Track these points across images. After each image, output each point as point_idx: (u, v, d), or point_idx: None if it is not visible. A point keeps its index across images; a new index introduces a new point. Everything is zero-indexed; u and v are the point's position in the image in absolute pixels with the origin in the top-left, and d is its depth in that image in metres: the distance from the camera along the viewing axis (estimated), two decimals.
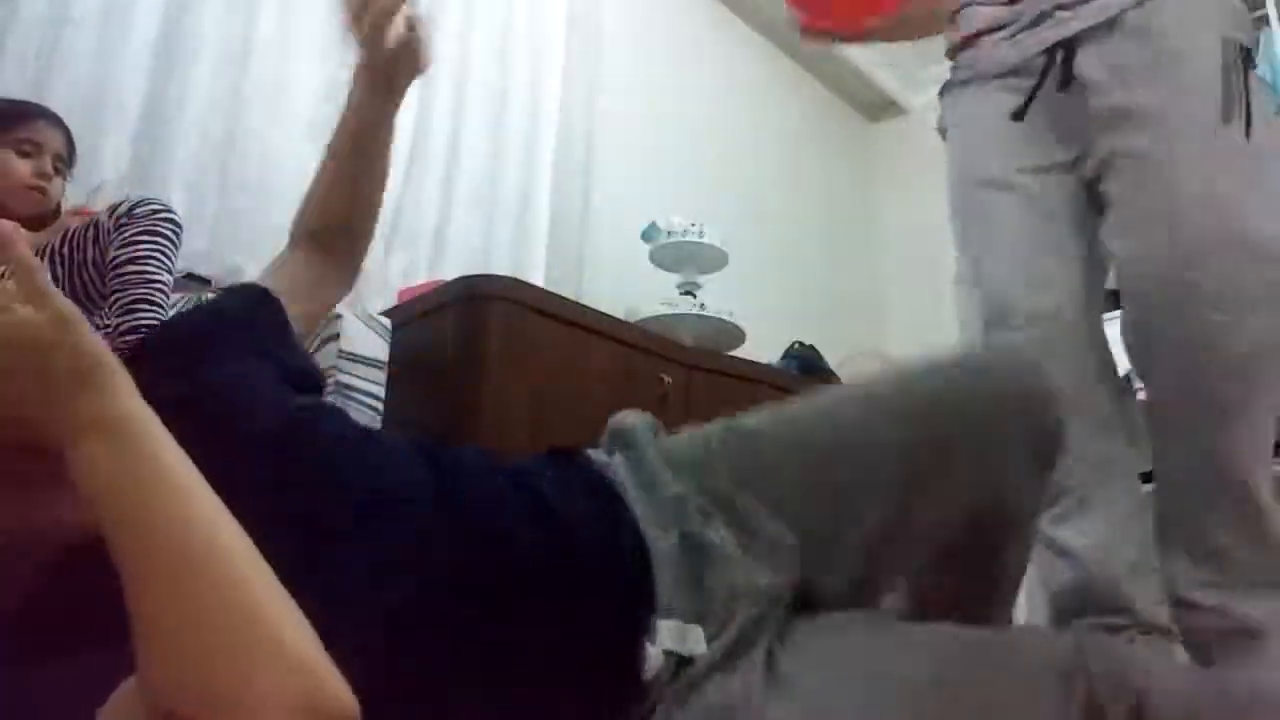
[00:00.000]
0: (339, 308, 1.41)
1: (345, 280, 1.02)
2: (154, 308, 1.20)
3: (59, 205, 1.47)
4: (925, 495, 0.78)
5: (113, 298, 1.20)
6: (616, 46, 2.80)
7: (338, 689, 0.49)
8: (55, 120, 1.51)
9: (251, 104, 1.95)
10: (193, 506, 0.53)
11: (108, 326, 1.20)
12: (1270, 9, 2.49)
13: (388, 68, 0.94)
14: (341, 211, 0.99)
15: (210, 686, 0.48)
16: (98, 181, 1.55)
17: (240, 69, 1.95)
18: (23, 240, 0.58)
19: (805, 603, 0.75)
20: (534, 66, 2.53)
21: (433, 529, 0.68)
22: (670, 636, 0.68)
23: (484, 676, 0.66)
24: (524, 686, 0.67)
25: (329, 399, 1.49)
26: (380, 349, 1.58)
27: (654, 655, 0.67)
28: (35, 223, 1.41)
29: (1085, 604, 1.09)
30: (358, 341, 1.55)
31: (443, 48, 2.13)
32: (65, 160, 1.49)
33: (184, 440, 0.56)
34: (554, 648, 0.68)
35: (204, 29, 1.89)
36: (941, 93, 1.34)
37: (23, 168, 1.43)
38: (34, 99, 1.62)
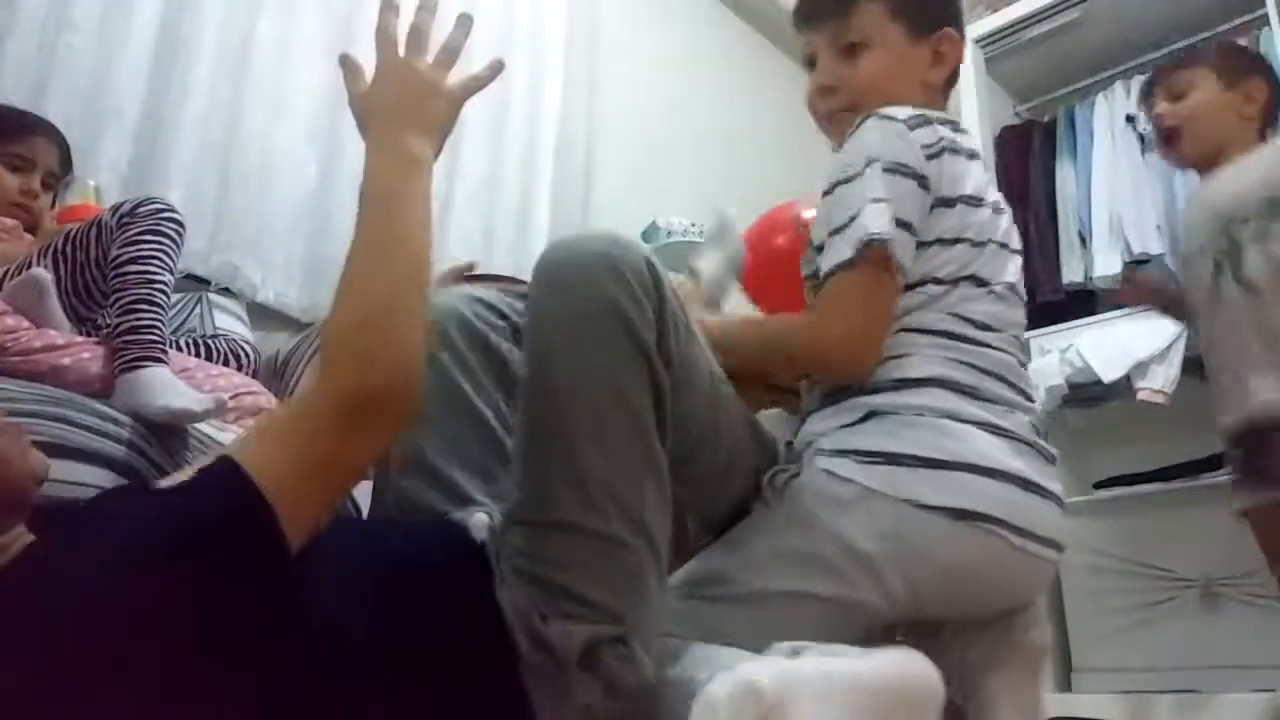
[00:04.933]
0: None
1: None
2: (155, 308, 1.20)
3: (40, 222, 1.47)
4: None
5: (113, 297, 1.20)
6: (616, 46, 2.80)
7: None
8: (52, 135, 1.50)
9: (251, 104, 1.95)
10: (417, 242, 0.79)
11: (108, 326, 1.20)
12: (1270, 9, 2.49)
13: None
14: None
15: (390, 377, 0.70)
16: (95, 182, 1.55)
17: (240, 69, 1.95)
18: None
19: None
20: (534, 66, 2.54)
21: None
22: None
23: None
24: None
25: None
26: None
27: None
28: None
29: None
30: None
31: None
32: (57, 176, 1.49)
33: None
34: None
35: (204, 29, 1.89)
36: None
37: (10, 183, 1.42)
38: (33, 100, 1.62)
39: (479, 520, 0.87)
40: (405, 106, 0.84)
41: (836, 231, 1.00)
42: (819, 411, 1.04)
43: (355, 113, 0.87)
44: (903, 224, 0.98)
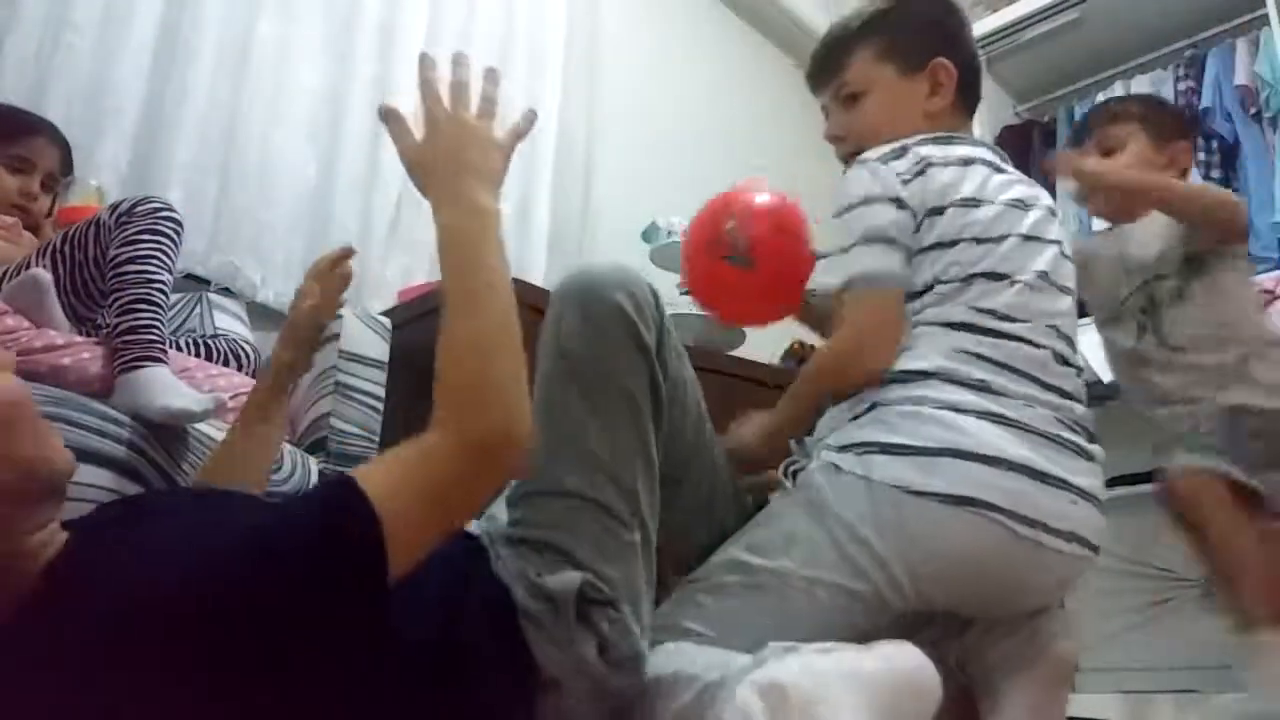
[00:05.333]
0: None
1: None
2: (153, 308, 1.19)
3: (40, 223, 1.47)
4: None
5: (112, 297, 1.20)
6: (616, 46, 2.80)
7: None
8: (54, 137, 1.50)
9: (251, 104, 1.95)
10: (504, 288, 0.81)
11: (107, 326, 1.20)
12: (1270, 9, 2.49)
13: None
14: None
15: (508, 420, 0.74)
16: (98, 183, 1.55)
17: (240, 69, 1.94)
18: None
19: None
20: (533, 66, 2.53)
21: None
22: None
23: None
24: None
25: (329, 398, 1.49)
26: (380, 349, 1.58)
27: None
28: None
29: None
30: (358, 341, 1.54)
31: (443, 48, 2.13)
32: (57, 178, 1.49)
33: None
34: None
35: (204, 29, 1.89)
36: None
37: (9, 184, 1.42)
38: (33, 100, 1.62)
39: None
40: (466, 160, 0.87)
41: (828, 256, 1.15)
42: (833, 408, 1.10)
43: (408, 165, 0.90)
44: (880, 239, 1.09)
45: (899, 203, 1.10)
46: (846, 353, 1.09)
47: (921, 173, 1.11)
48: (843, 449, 1.01)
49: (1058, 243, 1.14)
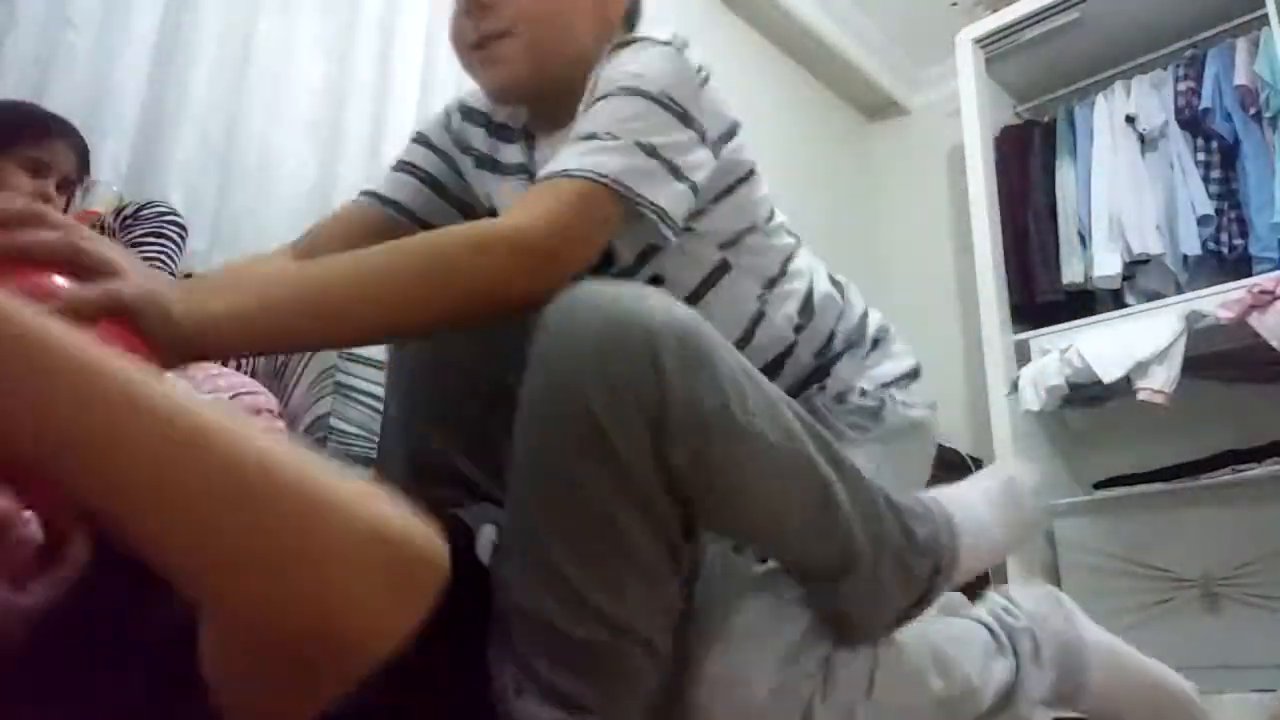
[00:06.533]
0: None
1: None
2: None
3: None
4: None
5: None
6: None
7: (422, 546, 0.44)
8: (72, 140, 1.49)
9: (251, 104, 1.95)
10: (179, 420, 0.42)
11: None
12: (1270, 9, 2.49)
13: None
14: None
15: (291, 603, 0.42)
16: (117, 188, 1.55)
17: (240, 69, 1.94)
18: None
19: None
20: None
21: None
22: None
23: None
24: None
25: (329, 398, 1.49)
26: (380, 349, 1.58)
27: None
28: None
29: None
30: None
31: (443, 48, 2.13)
32: (73, 182, 1.48)
33: None
34: None
35: (204, 29, 1.89)
36: None
37: (25, 186, 1.42)
38: (33, 100, 1.62)
39: (487, 537, 0.79)
40: None
41: None
42: None
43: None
44: None
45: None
46: None
47: None
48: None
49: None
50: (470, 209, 1.08)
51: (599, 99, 0.86)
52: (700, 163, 0.89)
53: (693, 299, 0.97)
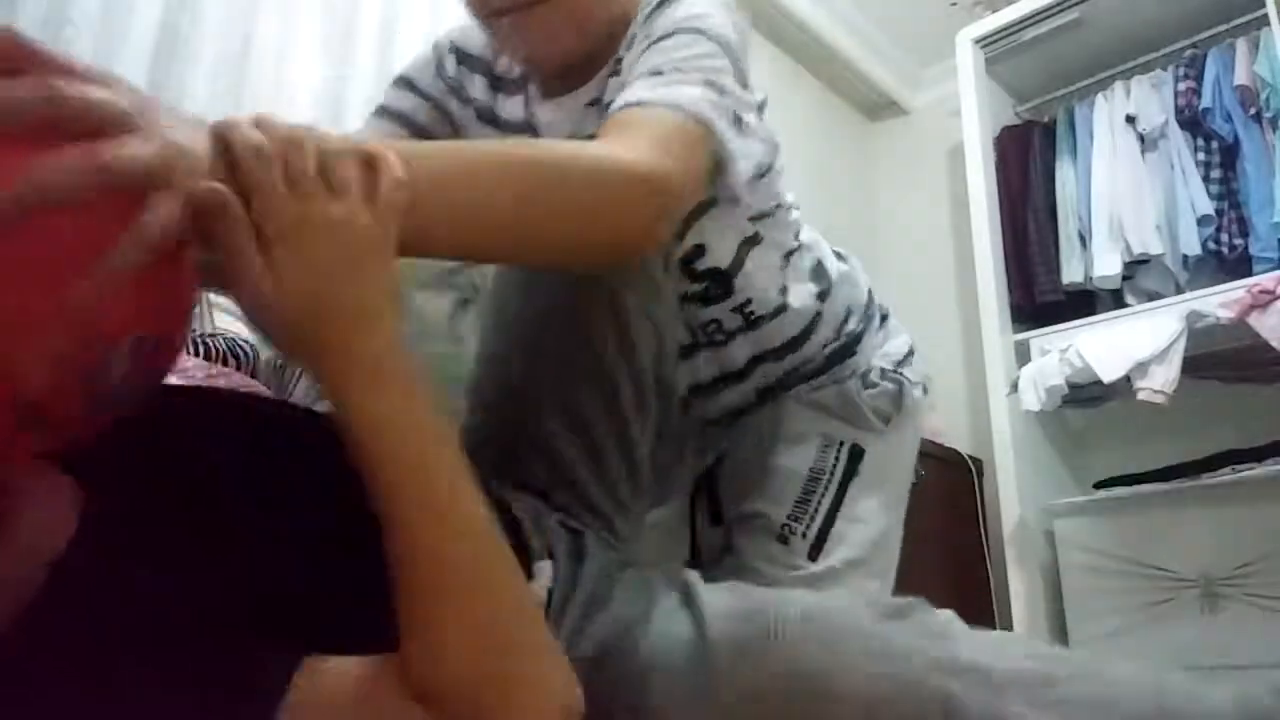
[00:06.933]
0: None
1: None
2: None
3: None
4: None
5: None
6: None
7: (579, 700, 0.54)
8: None
9: (251, 104, 1.95)
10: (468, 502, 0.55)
11: None
12: (1270, 9, 2.49)
13: None
14: None
15: (489, 684, 0.51)
16: None
17: (240, 69, 1.95)
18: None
19: None
20: None
21: None
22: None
23: None
24: None
25: None
26: None
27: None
28: None
29: None
30: None
31: None
32: None
33: None
34: None
35: (204, 29, 1.89)
36: None
37: None
38: None
39: (543, 575, 0.71)
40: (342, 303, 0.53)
41: None
42: None
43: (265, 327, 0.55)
44: None
45: None
46: None
47: None
48: None
49: None
50: None
51: (660, 38, 0.80)
52: (754, 130, 0.87)
53: (734, 267, 0.98)
